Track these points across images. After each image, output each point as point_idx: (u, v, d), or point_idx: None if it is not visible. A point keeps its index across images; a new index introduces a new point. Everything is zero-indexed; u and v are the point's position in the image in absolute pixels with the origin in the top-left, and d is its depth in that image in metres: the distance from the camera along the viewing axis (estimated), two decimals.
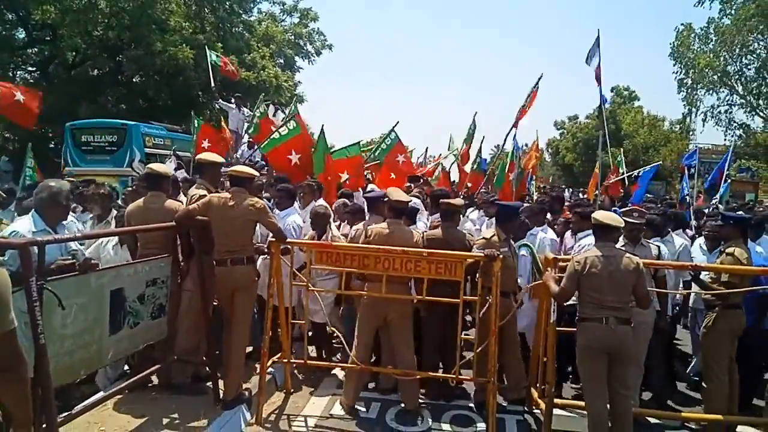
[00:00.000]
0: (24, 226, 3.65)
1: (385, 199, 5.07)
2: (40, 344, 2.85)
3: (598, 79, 9.07)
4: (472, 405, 4.91)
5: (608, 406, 4.02)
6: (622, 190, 12.03)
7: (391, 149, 9.20)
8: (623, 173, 12.37)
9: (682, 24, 27.34)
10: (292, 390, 5.02)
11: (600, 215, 4.23)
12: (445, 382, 4.93)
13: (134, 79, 21.13)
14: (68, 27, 18.26)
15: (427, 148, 11.87)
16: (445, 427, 4.56)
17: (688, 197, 10.14)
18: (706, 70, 25.69)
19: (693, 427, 4.71)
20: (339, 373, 5.38)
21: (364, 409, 4.80)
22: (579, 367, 4.26)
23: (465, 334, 4.58)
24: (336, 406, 4.83)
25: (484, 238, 4.87)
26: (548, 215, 6.52)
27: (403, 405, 4.79)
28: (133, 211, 4.54)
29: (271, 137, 7.95)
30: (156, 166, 4.83)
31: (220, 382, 4.44)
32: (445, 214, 5.19)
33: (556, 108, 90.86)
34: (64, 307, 3.13)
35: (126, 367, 4.93)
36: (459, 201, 5.78)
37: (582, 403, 4.27)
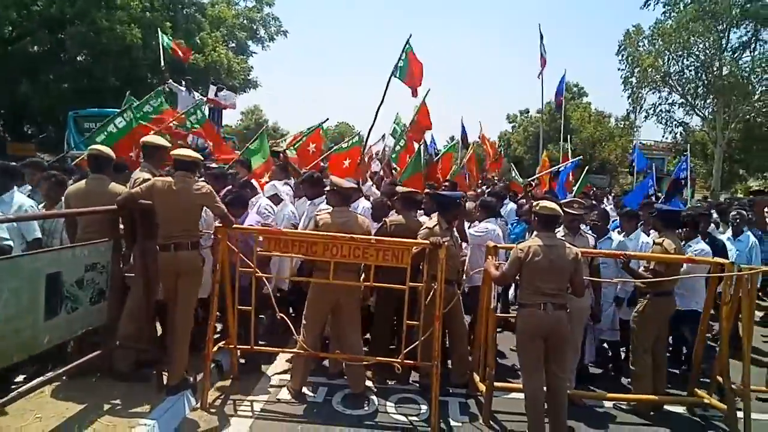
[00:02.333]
0: None
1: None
2: None
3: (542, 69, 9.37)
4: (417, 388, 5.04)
5: (545, 388, 4.22)
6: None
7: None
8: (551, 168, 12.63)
9: (633, 26, 28.32)
10: (239, 377, 5.00)
11: (542, 206, 4.39)
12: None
13: (78, 58, 20.19)
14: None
15: (384, 135, 11.69)
16: (391, 409, 4.66)
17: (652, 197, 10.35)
18: (650, 70, 26.72)
19: (623, 406, 4.99)
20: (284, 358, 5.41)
21: (311, 394, 4.85)
22: (518, 351, 4.45)
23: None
24: (283, 390, 4.85)
25: (426, 227, 4.99)
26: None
27: (349, 389, 4.88)
28: (73, 192, 4.40)
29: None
30: (100, 148, 4.69)
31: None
32: (408, 203, 5.39)
33: (508, 102, 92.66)
34: None
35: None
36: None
37: (519, 386, 4.45)
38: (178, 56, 12.71)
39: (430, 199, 5.86)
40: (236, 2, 24.98)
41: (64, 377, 4.16)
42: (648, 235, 6.13)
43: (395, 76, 8.34)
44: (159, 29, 15.19)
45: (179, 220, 4.34)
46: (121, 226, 4.39)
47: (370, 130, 8.72)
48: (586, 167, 12.73)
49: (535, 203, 4.76)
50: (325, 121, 10.09)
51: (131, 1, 18.65)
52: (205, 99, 13.05)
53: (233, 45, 23.64)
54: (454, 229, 5.18)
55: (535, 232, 4.46)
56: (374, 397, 4.84)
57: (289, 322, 4.86)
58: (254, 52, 25.43)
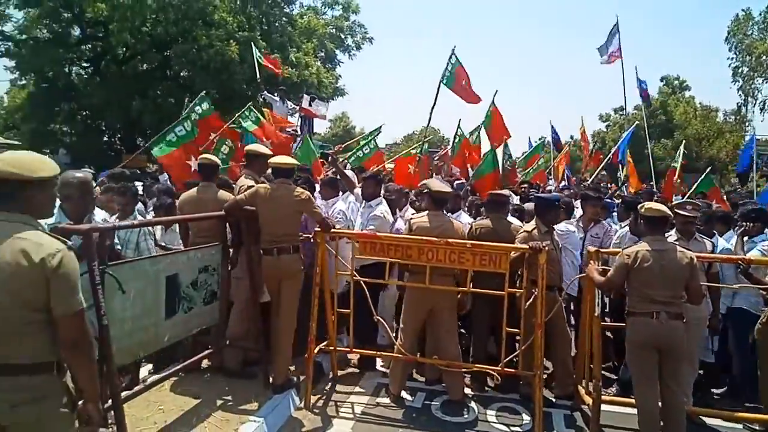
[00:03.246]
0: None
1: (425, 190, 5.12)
2: (102, 325, 3.00)
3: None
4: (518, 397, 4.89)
5: (660, 403, 3.94)
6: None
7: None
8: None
9: (742, 10, 26.14)
10: (338, 379, 5.10)
11: (648, 207, 4.11)
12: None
13: (182, 73, 21.67)
14: (118, 23, 18.89)
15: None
16: (491, 418, 4.55)
17: None
18: (764, 57, 24.51)
19: (756, 427, 4.53)
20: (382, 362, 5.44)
21: (410, 398, 4.84)
22: (629, 362, 4.19)
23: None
24: (382, 393, 4.88)
25: (525, 231, 4.83)
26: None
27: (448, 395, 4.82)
28: (186, 200, 4.70)
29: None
30: (209, 157, 4.97)
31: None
32: (494, 205, 5.20)
33: (602, 101, 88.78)
34: (125, 290, 3.27)
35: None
36: (507, 192, 5.77)
37: (631, 400, 4.19)
38: (272, 70, 13.18)
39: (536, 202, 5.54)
40: (324, 12, 25.78)
41: (180, 373, 4.44)
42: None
43: (443, 83, 8.70)
44: (252, 44, 16.02)
45: (281, 225, 4.49)
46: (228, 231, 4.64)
47: (426, 136, 8.97)
48: (706, 169, 11.69)
49: (640, 205, 4.46)
50: (379, 129, 10.22)
51: (228, 18, 19.77)
52: (298, 108, 13.56)
53: (321, 55, 24.37)
54: (554, 232, 4.98)
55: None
56: (474, 405, 4.75)
57: (387, 327, 4.90)
58: (341, 62, 26.10)
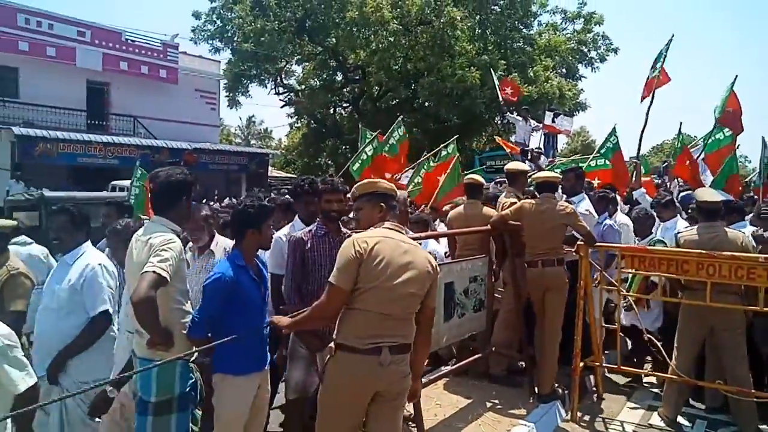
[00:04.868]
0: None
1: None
2: None
3: None
4: None
5: None
6: None
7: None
8: None
9: None
10: (603, 395, 4.99)
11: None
12: None
13: (426, 104, 23.41)
14: (375, 65, 21.41)
15: None
16: None
17: None
18: None
19: None
20: (651, 383, 5.13)
21: (688, 424, 4.49)
22: None
23: None
24: (654, 416, 4.62)
25: None
26: None
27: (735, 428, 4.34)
28: (454, 216, 5.19)
29: None
30: (475, 177, 5.41)
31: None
32: None
33: None
34: None
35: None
36: None
37: None
38: (509, 98, 13.32)
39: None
40: (564, 27, 25.14)
41: (451, 374, 4.88)
42: None
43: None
44: (492, 69, 16.54)
45: (546, 239, 4.64)
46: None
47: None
48: None
49: None
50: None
51: (468, 46, 20.78)
52: (541, 125, 13.54)
53: (563, 70, 23.78)
54: None
55: None
56: None
57: (659, 345, 4.64)
58: (583, 76, 25.07)
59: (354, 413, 2.65)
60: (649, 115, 7.91)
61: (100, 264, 3.36)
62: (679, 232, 4.72)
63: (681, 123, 8.56)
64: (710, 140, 8.25)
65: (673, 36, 7.99)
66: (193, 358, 2.64)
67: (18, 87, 18.37)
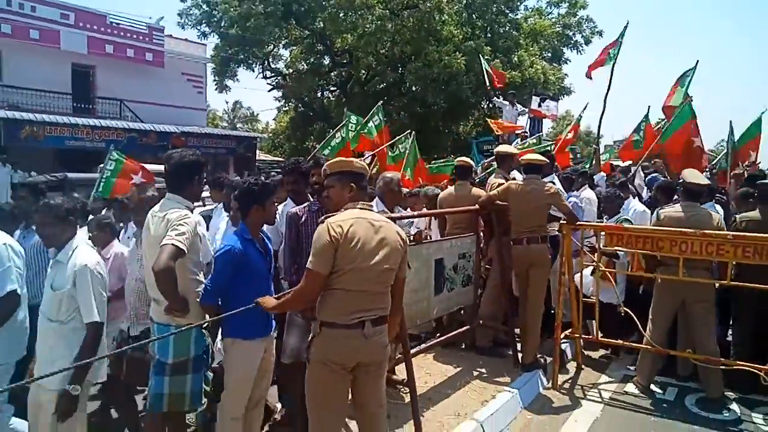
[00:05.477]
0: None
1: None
2: None
3: None
4: None
5: None
6: None
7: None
8: None
9: None
10: (582, 365, 5.30)
11: None
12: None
13: (413, 88, 23.55)
14: (362, 49, 21.45)
15: None
16: (758, 420, 4.29)
17: None
18: None
19: None
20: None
21: (660, 391, 4.81)
22: None
23: None
24: (629, 384, 4.94)
25: None
26: None
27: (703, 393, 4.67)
28: (445, 196, 5.43)
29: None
30: (465, 159, 5.64)
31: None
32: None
33: None
34: (410, 266, 4.02)
35: None
36: None
37: None
38: (495, 84, 13.49)
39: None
40: (549, 11, 25.34)
41: (440, 346, 5.14)
42: None
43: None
44: (479, 55, 16.70)
45: (530, 217, 4.90)
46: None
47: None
48: None
49: None
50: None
51: (455, 32, 20.91)
52: (527, 110, 13.79)
53: (548, 55, 24.00)
54: None
55: None
56: (735, 406, 4.51)
57: (635, 318, 4.94)
58: (568, 60, 25.33)
59: (342, 383, 2.73)
60: (606, 102, 8.39)
61: (5, 244, 3.16)
62: (661, 208, 5.00)
63: (649, 107, 8.75)
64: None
65: (628, 23, 8.61)
66: (205, 325, 2.86)
67: (1, 69, 18.18)
